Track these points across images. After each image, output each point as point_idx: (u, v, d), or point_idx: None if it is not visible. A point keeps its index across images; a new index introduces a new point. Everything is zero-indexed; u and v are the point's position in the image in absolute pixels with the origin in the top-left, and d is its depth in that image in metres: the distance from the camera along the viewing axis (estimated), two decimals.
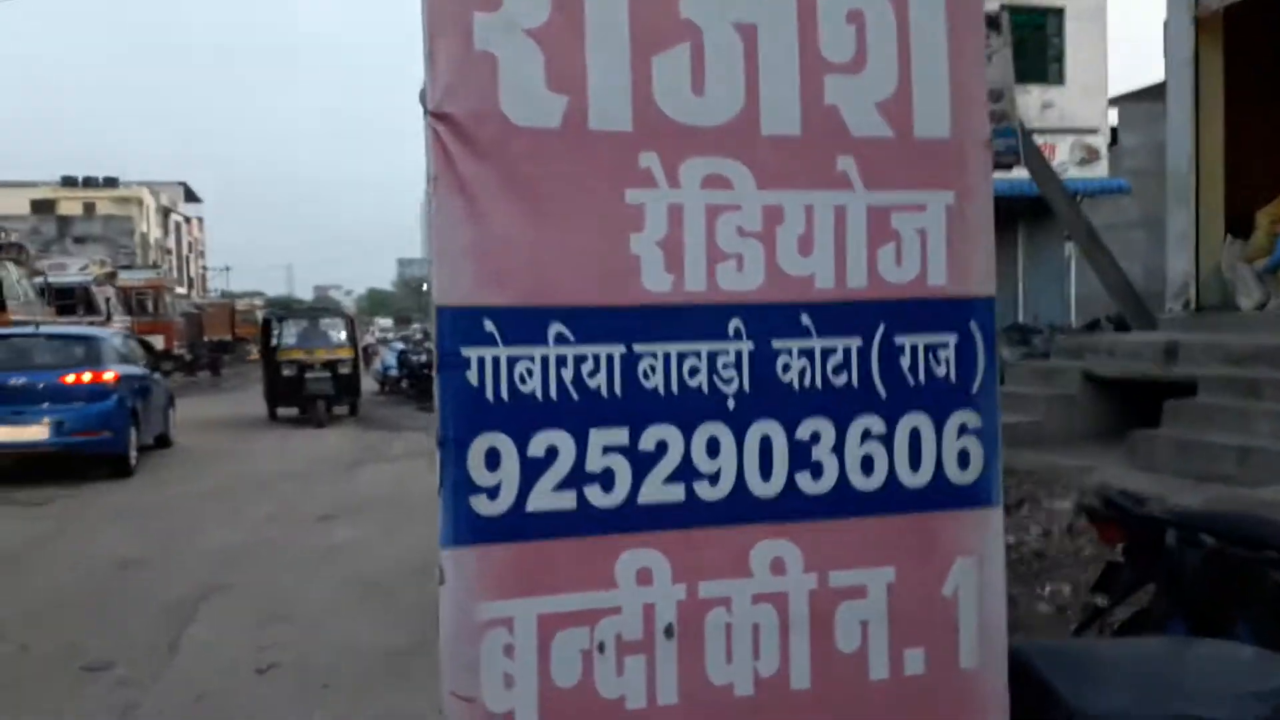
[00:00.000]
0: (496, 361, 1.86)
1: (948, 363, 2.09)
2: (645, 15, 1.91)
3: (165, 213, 58.40)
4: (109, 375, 10.94)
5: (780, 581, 2.02)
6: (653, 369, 1.94)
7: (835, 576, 2.05)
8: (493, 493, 1.87)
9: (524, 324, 1.86)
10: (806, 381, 2.02)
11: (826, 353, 2.03)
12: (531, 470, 1.89)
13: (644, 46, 1.91)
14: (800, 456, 2.03)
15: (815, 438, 2.04)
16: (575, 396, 1.90)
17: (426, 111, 1.79)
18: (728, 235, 1.97)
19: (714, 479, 1.98)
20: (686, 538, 1.97)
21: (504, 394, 1.86)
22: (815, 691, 2.02)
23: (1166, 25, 9.81)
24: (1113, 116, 21.06)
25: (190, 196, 66.40)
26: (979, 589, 2.11)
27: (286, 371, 17.19)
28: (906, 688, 2.06)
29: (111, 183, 54.28)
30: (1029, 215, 18.40)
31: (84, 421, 10.39)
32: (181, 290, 49.13)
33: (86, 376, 10.65)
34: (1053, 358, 9.59)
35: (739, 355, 1.99)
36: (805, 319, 2.01)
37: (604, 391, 1.92)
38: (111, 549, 7.69)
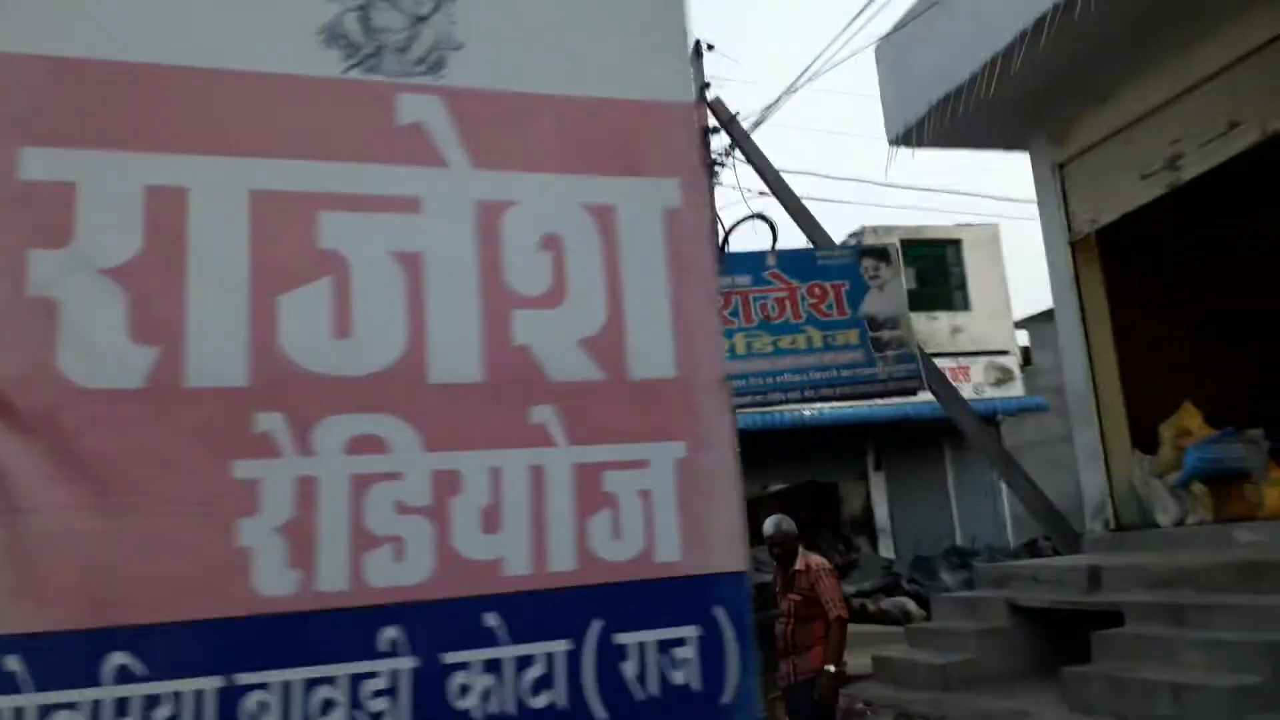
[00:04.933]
0: (19, 717, 1.32)
1: (689, 665, 1.60)
2: (272, 246, 1.55)
3: None
4: None
5: None
6: (264, 708, 1.41)
7: None
8: None
9: (70, 656, 1.35)
10: (494, 707, 1.51)
11: (523, 664, 1.53)
12: None
13: (269, 283, 1.54)
14: None
15: None
16: None
17: None
18: (382, 513, 1.52)
19: None
20: None
21: None
22: None
23: (1046, 251, 10.12)
24: (1025, 337, 21.72)
25: None
26: None
27: None
28: None
29: None
30: (954, 436, 18.36)
31: None
32: None
33: None
34: (978, 587, 9.05)
35: (396, 678, 1.48)
36: (492, 619, 1.53)
37: None
38: None
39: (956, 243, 18.30)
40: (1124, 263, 8.92)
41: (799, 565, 5.84)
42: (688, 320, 1.73)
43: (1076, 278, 9.13)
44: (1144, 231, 8.71)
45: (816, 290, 9.81)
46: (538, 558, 1.57)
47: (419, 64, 1.69)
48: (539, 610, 1.55)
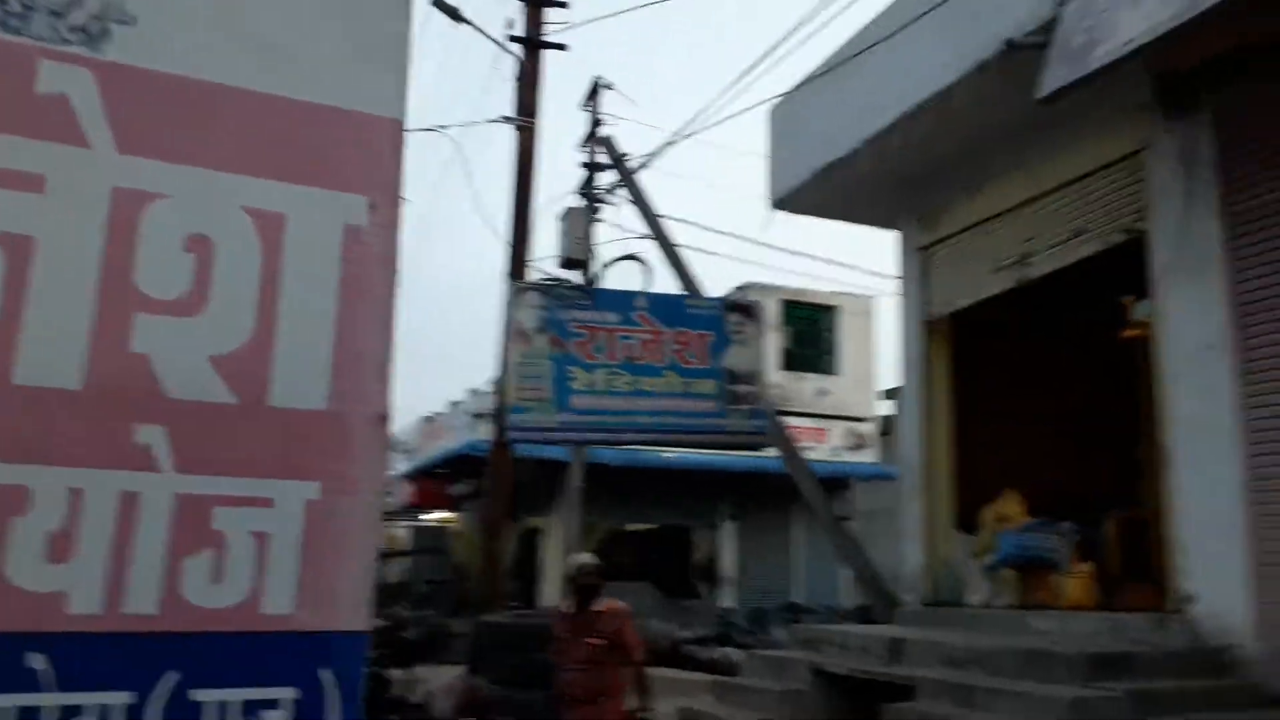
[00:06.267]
0: None
1: None
2: None
3: None
4: None
5: None
6: None
7: None
8: None
9: None
10: None
11: (69, 714, 1.34)
12: None
13: None
14: None
15: None
16: None
17: None
18: None
19: None
20: None
21: None
22: None
23: (902, 327, 10.35)
24: (890, 407, 22.32)
25: None
26: None
27: None
28: None
29: None
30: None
31: None
32: None
33: None
34: (788, 647, 9.10)
35: None
36: (37, 661, 1.34)
37: None
38: None
39: (833, 310, 18.72)
40: (971, 348, 9.22)
41: (601, 606, 5.70)
42: (353, 349, 1.58)
43: (926, 355, 9.39)
44: (993, 321, 9.04)
45: (682, 338, 9.84)
46: (111, 596, 1.39)
47: (76, 31, 1.52)
48: (102, 655, 1.37)
